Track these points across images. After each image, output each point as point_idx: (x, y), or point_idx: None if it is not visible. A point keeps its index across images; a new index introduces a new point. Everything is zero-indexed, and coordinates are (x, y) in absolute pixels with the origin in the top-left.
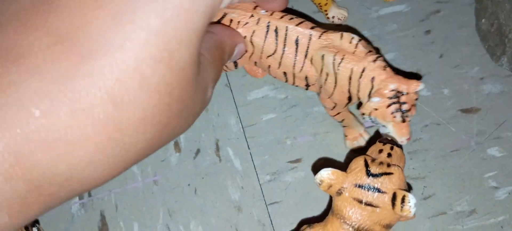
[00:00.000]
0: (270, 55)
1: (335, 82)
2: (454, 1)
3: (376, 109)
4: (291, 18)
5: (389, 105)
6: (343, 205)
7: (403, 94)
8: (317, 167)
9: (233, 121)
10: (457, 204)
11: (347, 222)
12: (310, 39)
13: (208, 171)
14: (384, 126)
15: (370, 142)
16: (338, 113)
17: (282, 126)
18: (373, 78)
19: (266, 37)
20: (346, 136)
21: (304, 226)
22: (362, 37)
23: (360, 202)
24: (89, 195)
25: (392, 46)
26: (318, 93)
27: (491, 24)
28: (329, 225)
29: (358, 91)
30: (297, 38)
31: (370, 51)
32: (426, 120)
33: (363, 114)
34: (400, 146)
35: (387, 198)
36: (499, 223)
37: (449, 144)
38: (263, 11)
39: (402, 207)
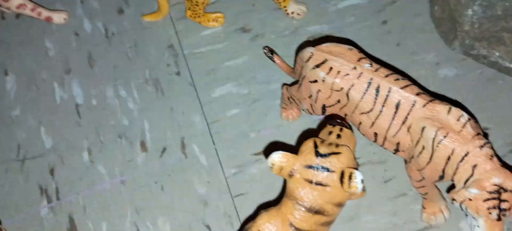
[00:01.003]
0: (365, 113)
1: (430, 159)
2: None
3: (470, 199)
4: (397, 79)
5: (486, 200)
6: (295, 186)
7: (505, 191)
8: (270, 152)
9: (198, 118)
10: None
11: (300, 202)
12: (413, 106)
13: (175, 168)
14: (474, 218)
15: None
16: (423, 186)
17: (246, 120)
18: (475, 166)
19: (364, 93)
20: (424, 208)
21: (261, 211)
22: (472, 117)
23: (311, 182)
24: (58, 199)
25: (351, 38)
26: (406, 161)
27: (443, 10)
28: (283, 207)
29: (454, 174)
30: (399, 102)
31: (478, 134)
32: None
33: (454, 200)
34: (349, 127)
35: (335, 177)
36: None
37: None
38: (368, 65)
39: (349, 184)
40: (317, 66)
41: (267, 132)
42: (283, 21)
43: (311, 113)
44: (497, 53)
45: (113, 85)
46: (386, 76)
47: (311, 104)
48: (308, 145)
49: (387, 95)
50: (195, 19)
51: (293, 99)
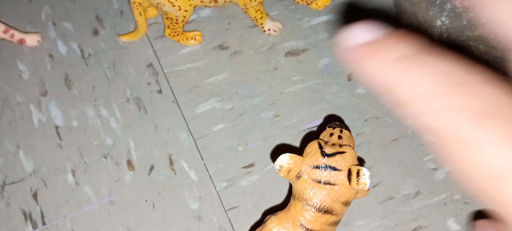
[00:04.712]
0: None
1: None
2: (375, 6)
3: None
4: None
5: None
6: (303, 187)
7: None
8: (273, 156)
9: (184, 134)
10: (403, 187)
11: (309, 202)
12: None
13: (164, 185)
14: None
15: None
16: None
17: (232, 134)
18: None
19: None
20: None
21: (268, 216)
22: None
23: (319, 182)
24: (43, 223)
25: (326, 52)
26: None
27: (412, 22)
28: (292, 209)
29: None
30: None
31: None
32: (366, 115)
33: None
34: (348, 129)
35: (343, 175)
36: (442, 200)
37: (389, 135)
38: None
39: (358, 180)
40: None
41: (254, 144)
42: (260, 38)
43: None
44: None
45: (94, 105)
46: None
47: None
48: (313, 146)
49: None
50: (173, 37)
51: None
